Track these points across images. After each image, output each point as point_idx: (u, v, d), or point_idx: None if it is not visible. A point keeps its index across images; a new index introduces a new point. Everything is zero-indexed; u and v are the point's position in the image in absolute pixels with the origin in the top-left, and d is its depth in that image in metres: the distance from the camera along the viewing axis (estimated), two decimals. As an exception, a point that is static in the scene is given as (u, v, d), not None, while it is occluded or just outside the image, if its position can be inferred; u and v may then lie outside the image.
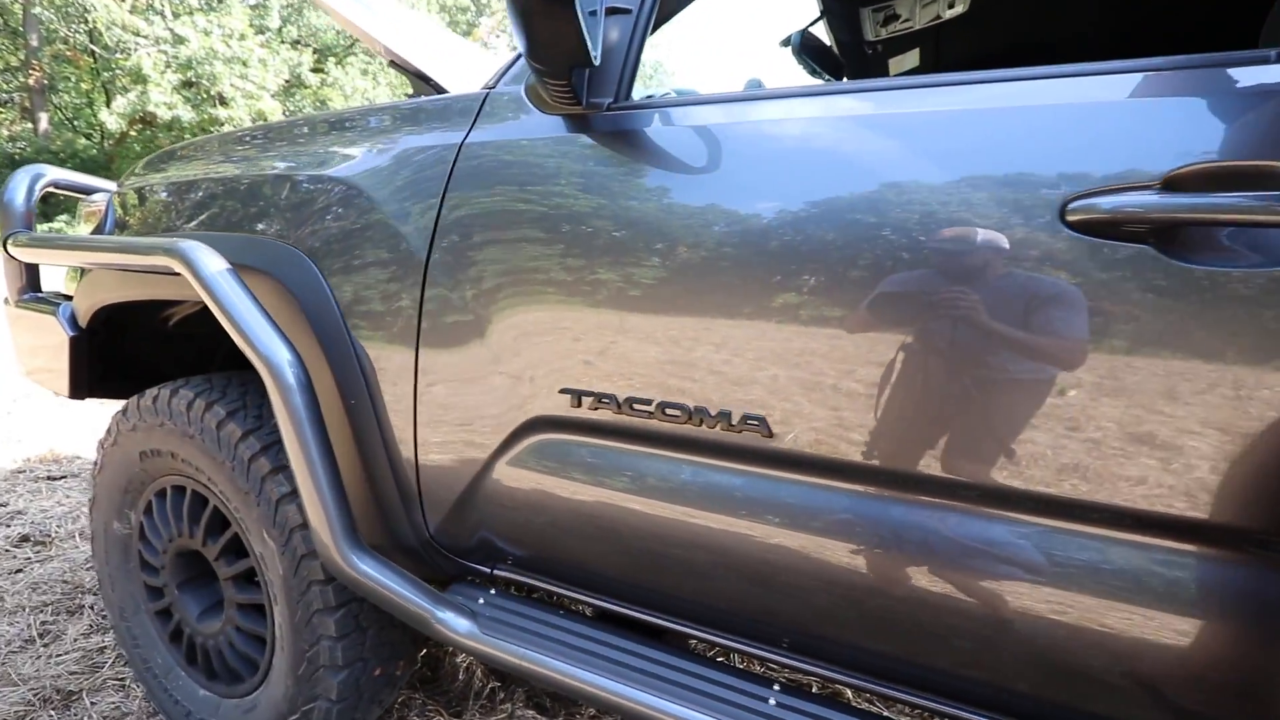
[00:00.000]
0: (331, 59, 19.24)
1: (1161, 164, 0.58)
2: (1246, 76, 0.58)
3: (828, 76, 1.70)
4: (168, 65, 15.10)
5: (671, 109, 0.85)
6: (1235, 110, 0.59)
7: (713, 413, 0.77)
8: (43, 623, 1.61)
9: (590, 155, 0.86)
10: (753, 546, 0.78)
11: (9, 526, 2.09)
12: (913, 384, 0.67)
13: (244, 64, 15.51)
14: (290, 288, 0.98)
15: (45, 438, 2.93)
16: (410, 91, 1.22)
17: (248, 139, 1.17)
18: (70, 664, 1.47)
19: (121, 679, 1.45)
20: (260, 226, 1.03)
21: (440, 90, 1.14)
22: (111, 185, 1.55)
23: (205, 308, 1.42)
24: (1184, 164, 0.57)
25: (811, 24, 1.56)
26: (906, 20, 1.49)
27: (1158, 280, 0.57)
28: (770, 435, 0.75)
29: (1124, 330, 0.59)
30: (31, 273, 1.41)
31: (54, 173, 1.45)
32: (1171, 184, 0.57)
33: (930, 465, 0.67)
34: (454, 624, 0.92)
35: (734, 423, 0.76)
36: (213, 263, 0.93)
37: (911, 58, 1.76)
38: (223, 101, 15.93)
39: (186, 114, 15.42)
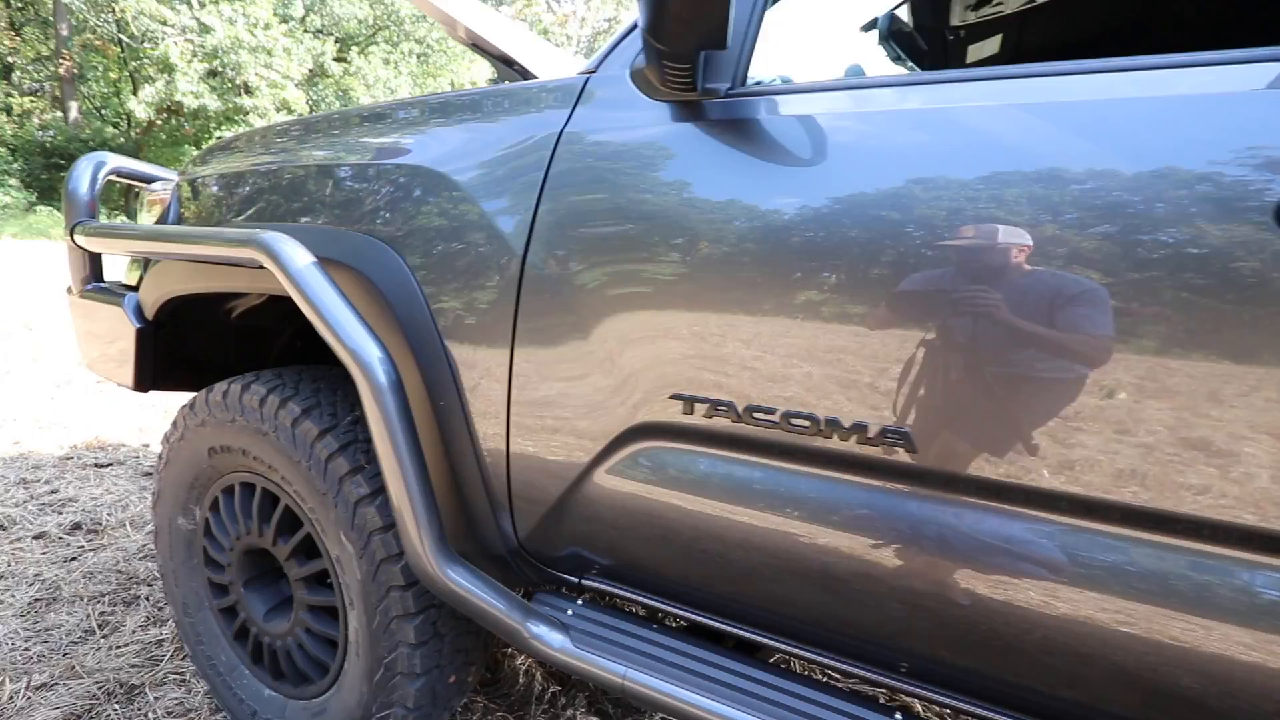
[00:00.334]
0: (354, 48, 19.28)
1: None
2: None
3: (911, 65, 1.62)
4: (194, 54, 15.22)
5: (793, 95, 0.79)
6: None
7: (846, 425, 0.72)
8: (101, 613, 1.60)
9: (704, 145, 0.80)
10: (885, 567, 0.73)
11: (61, 514, 2.09)
12: (1096, 401, 0.61)
13: (269, 53, 15.58)
14: (376, 283, 0.93)
15: (90, 424, 2.96)
16: (494, 77, 1.16)
17: (325, 125, 1.12)
18: (130, 656, 1.46)
19: (181, 673, 1.43)
20: (342, 218, 0.98)
21: (526, 75, 1.08)
22: (172, 174, 1.53)
23: (270, 301, 1.40)
24: None
25: (897, 6, 1.49)
26: (999, 3, 1.40)
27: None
28: (914, 451, 0.69)
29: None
30: (95, 263, 1.38)
31: (116, 161, 1.42)
32: None
33: (1120, 491, 0.61)
34: (548, 638, 0.88)
35: (871, 436, 0.71)
36: (299, 256, 0.89)
37: (991, 45, 1.67)
38: (248, 90, 16.04)
39: (213, 103, 15.55)
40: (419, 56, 20.29)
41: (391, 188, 0.95)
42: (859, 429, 0.71)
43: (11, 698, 1.30)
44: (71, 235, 1.25)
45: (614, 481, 0.86)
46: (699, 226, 0.78)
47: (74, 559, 1.86)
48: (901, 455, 0.70)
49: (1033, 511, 0.65)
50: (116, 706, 1.32)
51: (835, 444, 0.73)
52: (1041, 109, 0.65)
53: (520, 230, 0.86)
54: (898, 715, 0.78)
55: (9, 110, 17.66)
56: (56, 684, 1.34)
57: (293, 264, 0.88)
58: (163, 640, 1.53)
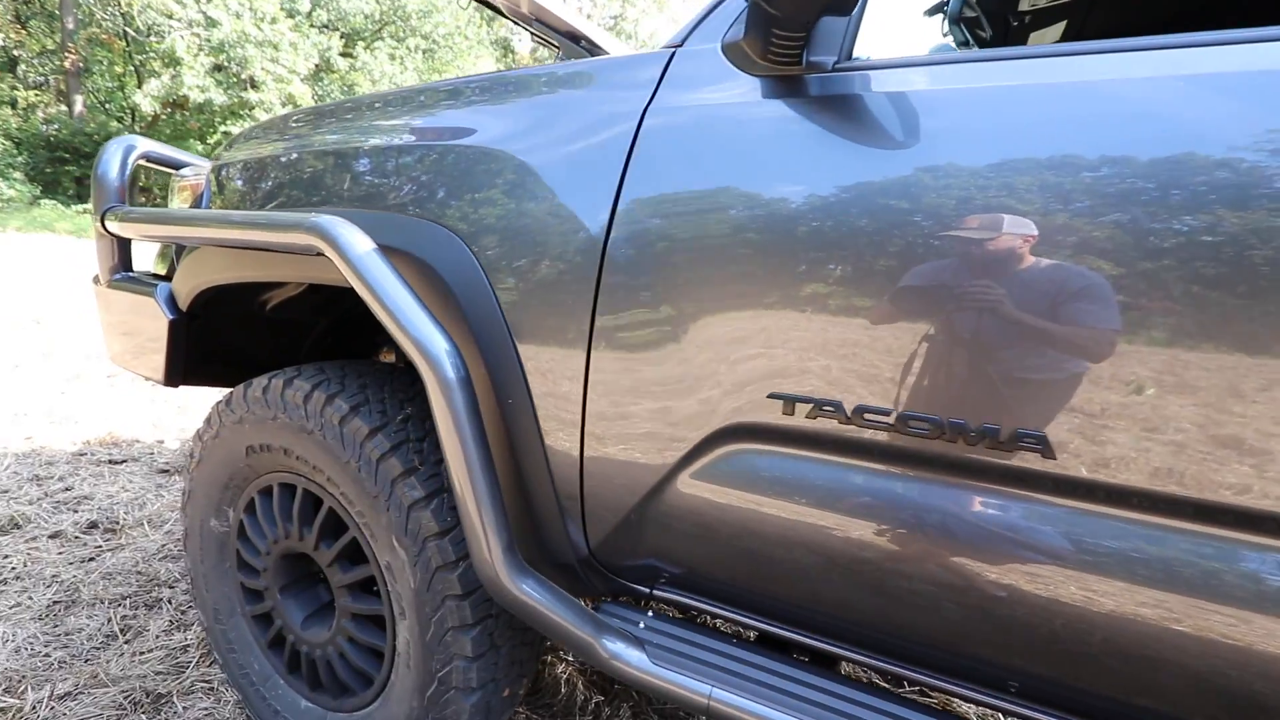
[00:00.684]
0: (360, 43, 19.22)
1: None
2: None
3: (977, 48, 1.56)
4: (200, 48, 15.16)
5: (906, 70, 0.73)
6: None
7: (973, 429, 0.65)
8: (123, 617, 1.54)
9: (806, 123, 0.74)
10: (1013, 582, 0.66)
11: (76, 512, 2.03)
12: (1260, 399, 0.54)
13: (275, 47, 15.52)
14: (440, 271, 0.87)
15: (102, 419, 2.89)
16: (562, 55, 1.10)
17: (380, 105, 1.06)
18: (155, 663, 1.40)
19: (209, 681, 1.37)
20: (401, 203, 0.92)
21: (595, 51, 1.02)
22: (200, 159, 1.47)
23: (307, 291, 1.33)
24: None
25: (965, -11, 1.43)
26: (1070, -13, 1.34)
27: None
28: (1051, 458, 0.63)
29: None
30: (124, 251, 1.32)
31: (145, 144, 1.36)
32: None
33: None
34: (626, 655, 0.82)
35: (1002, 440, 0.64)
36: (359, 241, 0.83)
37: (1054, 31, 1.61)
38: (254, 85, 15.98)
39: (218, 97, 15.48)
40: (425, 52, 20.23)
41: (456, 170, 0.89)
42: (988, 433, 0.65)
43: (35, 707, 1.24)
44: (102, 222, 1.19)
45: (699, 487, 0.80)
46: (802, 213, 0.71)
47: (91, 559, 1.80)
48: (1036, 462, 0.63)
49: (1196, 527, 0.59)
50: (143, 717, 1.26)
51: (958, 449, 0.66)
52: (1203, 80, 0.59)
53: (600, 216, 0.80)
54: (1015, 744, 0.72)
55: (14, 104, 17.59)
56: (81, 693, 1.28)
57: (353, 250, 0.82)
58: (188, 646, 1.47)
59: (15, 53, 18.57)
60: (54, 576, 1.68)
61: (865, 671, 1.52)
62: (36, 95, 19.28)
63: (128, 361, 1.38)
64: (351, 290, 1.40)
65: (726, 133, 0.77)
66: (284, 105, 16.38)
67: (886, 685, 1.42)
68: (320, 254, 0.85)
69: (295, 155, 1.08)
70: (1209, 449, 0.57)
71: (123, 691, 1.29)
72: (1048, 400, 0.62)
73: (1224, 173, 0.56)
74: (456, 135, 0.91)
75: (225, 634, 1.27)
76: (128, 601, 1.61)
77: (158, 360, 1.27)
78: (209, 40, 15.01)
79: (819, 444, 0.73)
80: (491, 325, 0.85)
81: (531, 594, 0.81)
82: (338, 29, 18.98)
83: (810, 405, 0.72)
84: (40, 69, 19.33)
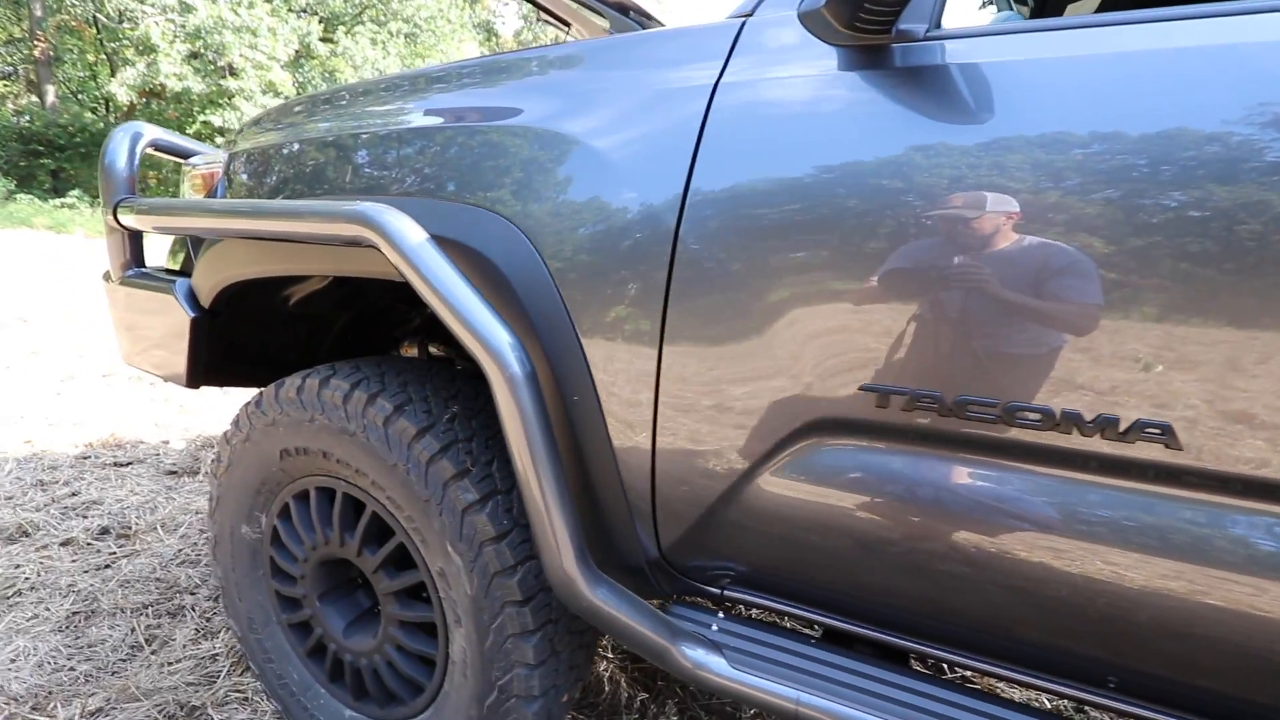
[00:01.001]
0: (340, 28, 18.74)
1: None
2: None
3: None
4: (175, 35, 14.70)
5: (1007, 38, 0.68)
6: None
7: (1089, 418, 0.62)
8: (147, 626, 1.49)
9: (898, 97, 0.69)
10: (1130, 579, 0.63)
11: (86, 518, 1.97)
12: None
13: (253, 33, 15.07)
14: (495, 261, 0.82)
15: (103, 420, 2.81)
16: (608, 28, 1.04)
17: (419, 83, 0.99)
18: (185, 674, 1.36)
19: (242, 690, 1.33)
20: (450, 189, 0.86)
21: (646, 22, 0.96)
22: (207, 148, 1.39)
23: (332, 285, 1.27)
24: None
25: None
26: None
27: None
28: (1179, 449, 0.59)
29: None
30: (136, 245, 1.25)
31: (153, 131, 1.29)
32: None
33: None
34: (705, 661, 0.78)
35: (1122, 431, 0.61)
36: (412, 232, 0.77)
37: (1088, 4, 1.56)
38: (232, 72, 15.55)
39: (197, 85, 15.05)
40: (406, 36, 19.76)
41: (510, 153, 0.83)
42: (1106, 423, 0.61)
43: (65, 724, 1.19)
44: (114, 215, 1.12)
45: (781, 484, 0.76)
46: (894, 194, 0.67)
47: (107, 566, 1.74)
48: (1161, 453, 0.60)
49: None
50: (178, 729, 1.22)
51: (1073, 440, 0.63)
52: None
53: (671, 200, 0.75)
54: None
55: (-18, 95, 17.03)
56: (113, 709, 1.23)
57: (407, 241, 0.76)
58: (216, 655, 1.42)
59: (-19, 42, 17.93)
60: (70, 586, 1.63)
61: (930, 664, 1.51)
62: (6, 86, 18.68)
63: (143, 362, 1.32)
64: (376, 282, 1.36)
65: (808, 108, 0.72)
66: (264, 93, 15.96)
67: (969, 681, 1.40)
68: (367, 245, 0.79)
69: (323, 141, 1.02)
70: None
71: (156, 705, 1.25)
72: (1174, 388, 0.59)
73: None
74: (507, 115, 0.86)
75: (261, 643, 1.22)
76: (150, 610, 1.56)
77: (177, 360, 1.21)
78: (184, 26, 14.55)
79: (915, 438, 0.70)
80: (553, 318, 0.80)
81: (608, 601, 0.77)
82: (316, 13, 18.47)
83: (906, 397, 0.68)
84: (9, 58, 18.70)
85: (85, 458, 2.41)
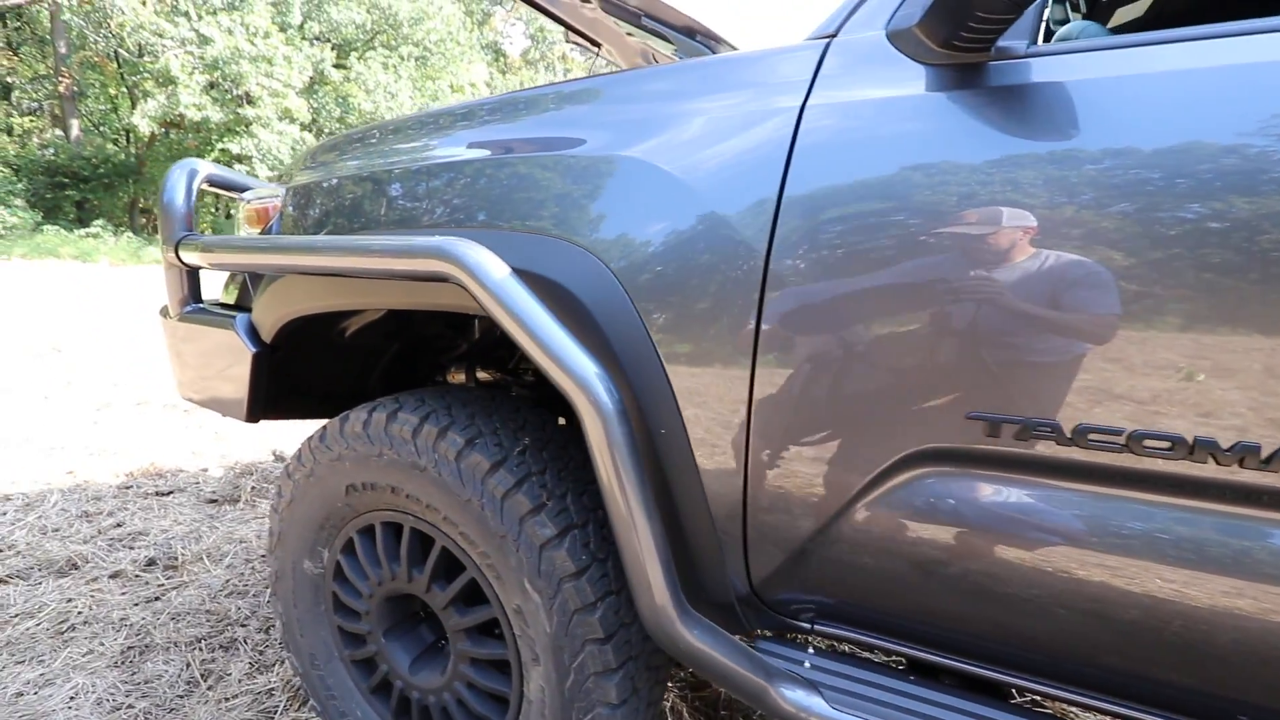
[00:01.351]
0: (353, 54, 19.13)
1: None
2: None
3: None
4: (194, 67, 15.08)
5: (1107, 54, 0.66)
6: None
7: (1225, 447, 0.59)
8: (201, 661, 1.48)
9: (1000, 117, 0.67)
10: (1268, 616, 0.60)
11: (133, 549, 1.97)
12: None
13: (269, 62, 15.44)
14: (575, 293, 0.80)
15: (140, 449, 2.84)
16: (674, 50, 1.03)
17: (486, 114, 0.99)
18: (243, 709, 1.34)
19: (301, 726, 1.31)
20: (524, 220, 0.85)
21: (714, 45, 0.95)
22: (258, 182, 1.40)
23: (387, 317, 1.27)
24: None
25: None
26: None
27: None
28: (1330, 478, 0.56)
29: None
30: (194, 281, 1.26)
31: (208, 168, 1.30)
32: None
33: None
34: (805, 702, 0.75)
35: (1265, 459, 0.58)
36: (495, 267, 0.76)
37: (1138, 7, 1.53)
38: (249, 100, 15.90)
39: (215, 114, 15.41)
40: (417, 60, 20.14)
41: (590, 183, 0.82)
42: (1247, 451, 0.58)
43: (130, 766, 1.18)
44: (176, 253, 1.12)
45: (881, 516, 0.73)
46: (998, 216, 0.64)
47: (157, 599, 1.74)
48: (1309, 483, 0.57)
49: None
50: (241, 769, 1.20)
51: (1209, 470, 0.60)
52: None
53: (760, 226, 0.73)
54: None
55: (10, 130, 17.55)
56: (177, 748, 1.22)
57: (491, 276, 0.75)
58: (273, 689, 1.41)
59: (9, 79, 18.53)
60: (123, 620, 1.63)
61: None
62: (32, 121, 19.26)
63: (200, 397, 1.32)
64: (427, 313, 1.35)
65: (903, 130, 0.70)
66: (281, 119, 16.30)
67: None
68: (446, 279, 0.79)
69: (388, 174, 1.02)
70: None
71: (218, 744, 1.23)
72: (1321, 413, 0.56)
73: None
74: (583, 144, 0.85)
75: (323, 679, 1.21)
76: (203, 644, 1.55)
77: (237, 394, 1.21)
78: (202, 58, 14.94)
79: (1029, 468, 0.67)
80: (637, 349, 0.79)
81: (704, 640, 0.75)
82: (329, 40, 18.89)
83: (1017, 426, 0.65)
84: (34, 94, 19.30)
85: (127, 488, 2.43)
